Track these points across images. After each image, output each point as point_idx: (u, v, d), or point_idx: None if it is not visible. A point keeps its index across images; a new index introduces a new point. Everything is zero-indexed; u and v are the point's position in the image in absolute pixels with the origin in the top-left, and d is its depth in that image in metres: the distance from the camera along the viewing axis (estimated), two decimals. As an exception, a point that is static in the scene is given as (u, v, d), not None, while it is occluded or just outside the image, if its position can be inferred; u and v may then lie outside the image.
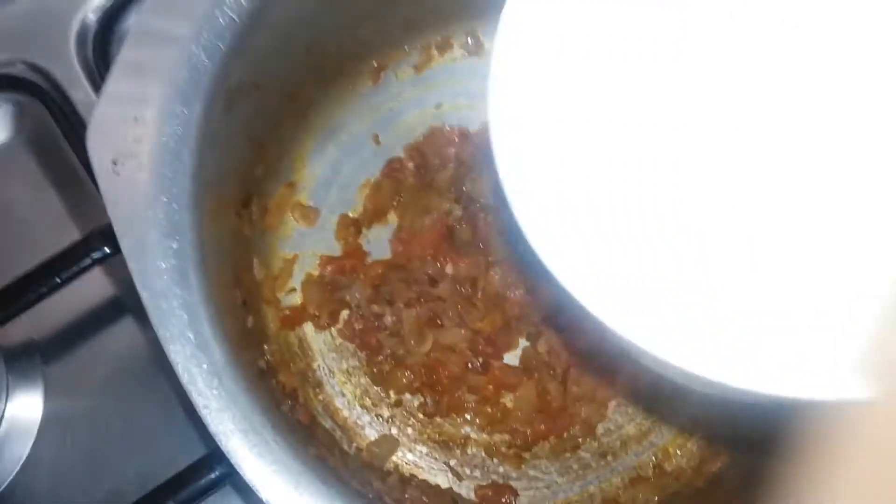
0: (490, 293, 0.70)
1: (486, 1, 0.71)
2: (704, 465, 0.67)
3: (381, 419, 0.71)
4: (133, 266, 0.49)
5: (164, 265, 0.50)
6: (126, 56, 0.51)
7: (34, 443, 0.76)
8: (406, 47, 0.74)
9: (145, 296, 0.49)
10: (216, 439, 0.48)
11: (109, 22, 0.80)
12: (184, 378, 0.48)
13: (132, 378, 0.78)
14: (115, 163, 0.50)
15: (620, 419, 0.70)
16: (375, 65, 0.74)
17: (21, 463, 0.75)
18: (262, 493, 0.48)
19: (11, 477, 0.75)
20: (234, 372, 0.50)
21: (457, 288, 0.70)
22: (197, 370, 0.49)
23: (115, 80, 0.51)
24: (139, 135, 0.51)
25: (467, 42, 0.75)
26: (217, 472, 0.64)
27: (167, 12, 0.52)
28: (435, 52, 0.75)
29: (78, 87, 0.83)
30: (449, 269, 0.70)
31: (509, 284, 0.69)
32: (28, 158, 0.84)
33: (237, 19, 0.53)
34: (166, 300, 0.49)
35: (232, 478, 0.64)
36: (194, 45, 0.52)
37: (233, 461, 0.48)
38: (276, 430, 0.50)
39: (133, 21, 0.52)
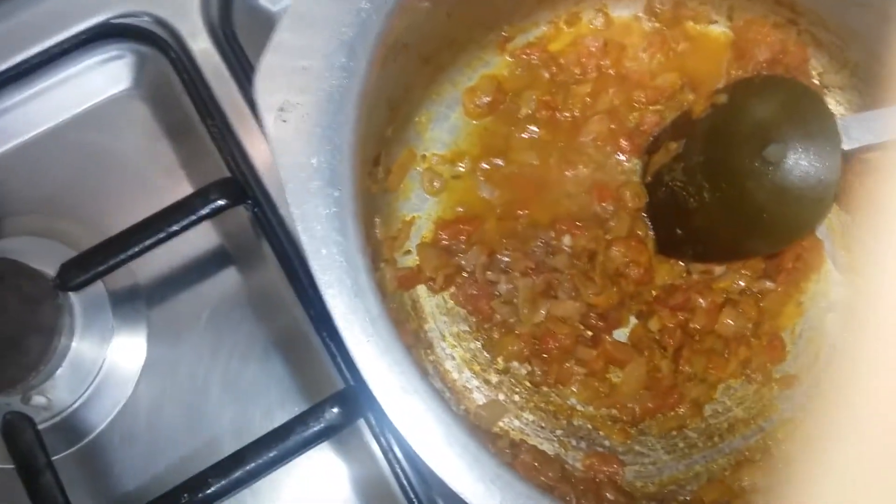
0: (608, 269, 0.70)
1: None
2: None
3: (488, 384, 0.72)
4: (296, 211, 0.50)
5: (325, 212, 0.51)
6: (296, 7, 0.52)
7: (135, 386, 0.78)
8: (537, 19, 0.74)
9: (306, 241, 0.50)
10: (369, 385, 0.49)
11: (235, -19, 0.81)
12: (341, 323, 0.49)
13: (233, 328, 0.80)
14: (281, 110, 0.51)
15: (729, 402, 0.71)
16: (504, 35, 0.74)
17: (121, 406, 0.78)
18: (411, 440, 0.49)
19: (110, 419, 0.77)
20: (387, 322, 0.51)
21: (574, 261, 0.71)
22: (354, 317, 0.50)
23: (284, 30, 0.52)
24: (305, 84, 0.52)
25: (595, 17, 0.75)
26: (322, 424, 0.67)
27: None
28: (563, 27, 0.75)
29: (200, 42, 0.84)
30: (567, 240, 0.71)
31: (629, 262, 0.69)
32: (146, 109, 0.86)
33: (402, -22, 0.54)
34: (326, 246, 0.51)
35: (337, 430, 0.66)
36: (363, 0, 0.53)
37: (385, 407, 0.49)
38: (423, 379, 0.51)
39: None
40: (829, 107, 0.71)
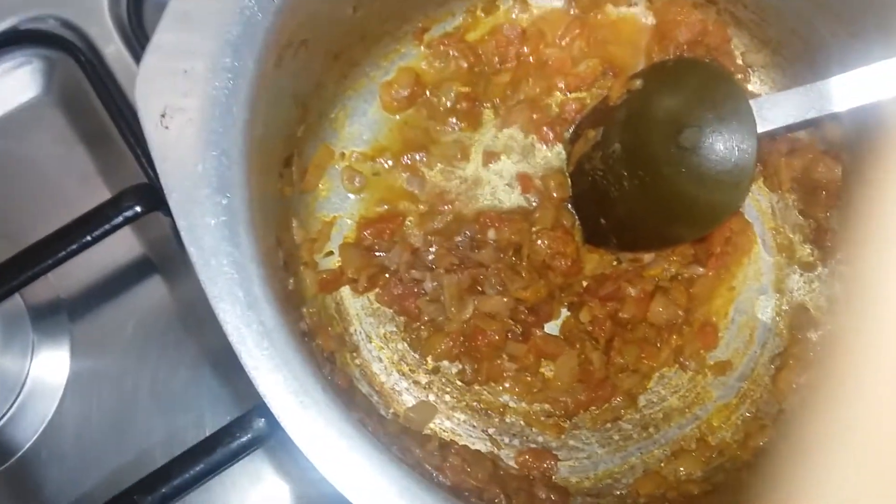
0: (535, 261, 0.68)
1: None
2: (750, 439, 0.66)
3: (418, 386, 0.70)
4: (182, 222, 0.48)
5: (213, 221, 0.48)
6: (176, 6, 0.49)
7: (60, 402, 0.75)
8: (452, 9, 0.71)
9: (194, 252, 0.48)
10: (266, 401, 0.47)
11: (144, -22, 0.78)
12: (233, 338, 0.47)
13: (160, 338, 0.77)
14: (163, 115, 0.48)
15: (663, 391, 0.69)
16: (420, 26, 0.72)
17: (46, 422, 0.75)
18: (312, 458, 0.47)
19: (36, 436, 0.74)
20: (283, 333, 0.49)
21: (500, 255, 0.69)
22: (247, 330, 0.48)
23: (164, 31, 0.49)
24: (188, 88, 0.49)
25: (513, 4, 0.73)
26: (249, 435, 0.64)
27: (218, -39, 0.50)
28: (481, 15, 0.73)
29: (110, 44, 0.82)
30: (491, 234, 0.69)
31: (555, 254, 0.68)
32: (58, 116, 0.83)
33: (290, -29, 0.51)
34: (216, 257, 0.48)
35: (264, 441, 0.64)
36: (247, -4, 0.50)
37: (283, 424, 0.47)
38: (325, 391, 0.49)
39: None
40: (752, 88, 0.70)
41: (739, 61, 0.72)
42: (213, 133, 0.49)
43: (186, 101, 0.49)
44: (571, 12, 0.73)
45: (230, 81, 0.50)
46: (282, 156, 0.64)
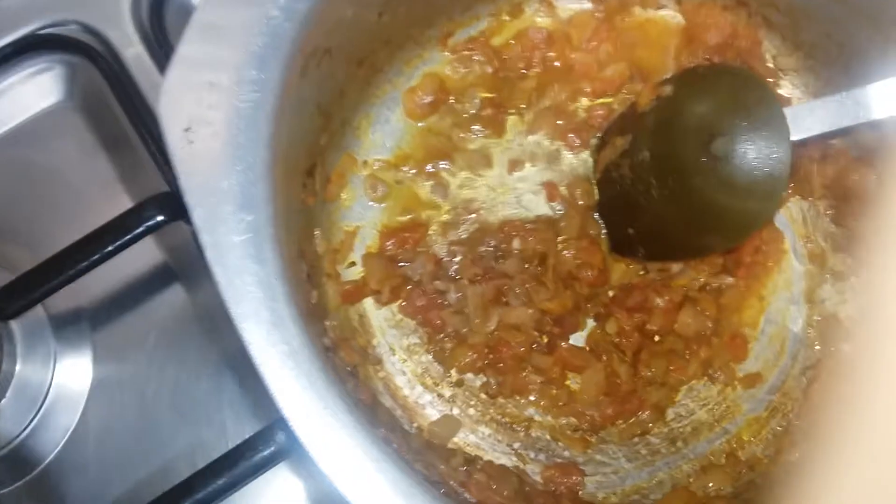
0: (560, 272, 0.67)
1: None
2: (781, 454, 0.64)
3: (442, 399, 0.69)
4: (206, 239, 0.47)
5: (238, 239, 0.47)
6: (201, 17, 0.49)
7: (83, 412, 0.75)
8: (478, 13, 0.70)
9: (218, 272, 0.47)
10: (290, 425, 0.46)
11: (166, -16, 0.77)
12: (258, 359, 0.46)
13: (182, 347, 0.77)
14: (187, 130, 0.47)
15: (692, 404, 0.68)
16: (444, 30, 0.71)
17: (70, 432, 0.74)
18: (338, 482, 0.46)
19: (60, 447, 0.74)
20: (308, 352, 0.48)
21: (524, 265, 0.67)
22: (272, 350, 0.47)
23: (189, 43, 0.49)
24: (214, 101, 0.48)
25: (539, 7, 0.72)
26: (272, 448, 0.64)
27: (243, -28, 0.49)
28: (506, 19, 0.71)
29: (131, 49, 0.81)
30: (516, 243, 0.68)
31: (581, 264, 0.66)
32: (80, 122, 0.83)
33: (316, -21, 0.50)
34: (240, 276, 0.47)
35: (287, 454, 0.63)
36: (273, 7, 0.49)
37: (308, 448, 0.46)
38: (350, 412, 0.48)
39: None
40: (784, 92, 0.68)
41: (770, 65, 0.70)
42: (239, 147, 0.48)
43: (211, 114, 0.48)
44: (598, 15, 0.71)
45: (256, 94, 0.49)
46: (305, 166, 0.63)
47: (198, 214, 0.47)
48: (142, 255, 0.79)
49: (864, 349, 0.46)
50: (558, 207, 0.70)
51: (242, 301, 0.47)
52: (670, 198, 0.62)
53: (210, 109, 0.48)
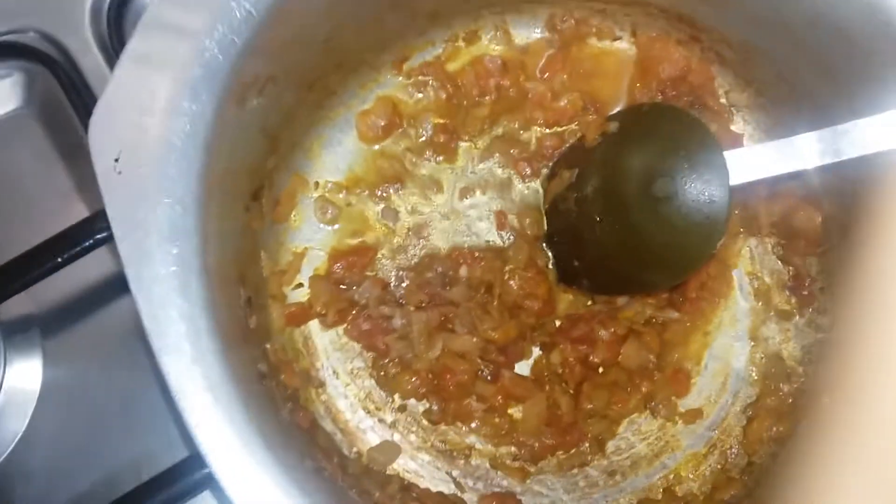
0: (506, 301, 0.67)
1: None
2: (717, 492, 0.65)
3: (383, 424, 0.69)
4: (130, 272, 0.47)
5: (163, 272, 0.47)
6: (135, 47, 0.48)
7: (31, 419, 0.74)
8: (433, 38, 0.70)
9: (142, 304, 0.47)
10: (207, 459, 0.46)
11: (125, -5, 0.77)
12: (176, 393, 0.46)
13: (131, 359, 0.76)
14: (116, 160, 0.47)
15: (632, 438, 0.68)
16: (399, 55, 0.70)
17: (17, 439, 0.74)
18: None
19: (6, 453, 0.73)
20: (230, 387, 0.48)
21: (471, 293, 0.67)
22: (190, 384, 0.47)
23: (122, 72, 0.48)
24: (143, 131, 0.48)
25: (494, 34, 0.71)
26: (204, 472, 0.63)
27: (182, 2, 0.49)
28: (461, 45, 0.71)
29: (90, 60, 0.80)
30: (464, 271, 0.68)
31: (527, 294, 0.67)
32: (37, 129, 0.82)
33: (254, 12, 0.50)
34: (164, 309, 0.47)
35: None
36: (208, 39, 0.49)
37: (223, 484, 0.46)
38: (270, 449, 0.48)
39: (146, 10, 0.48)
40: (735, 128, 0.68)
41: (723, 100, 0.70)
42: (167, 179, 0.48)
43: (141, 145, 0.48)
44: (553, 45, 0.71)
45: (187, 125, 0.49)
46: (249, 189, 0.63)
47: (123, 246, 0.47)
48: (94, 265, 0.78)
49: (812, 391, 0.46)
50: (507, 236, 0.70)
51: (164, 334, 0.47)
52: (613, 233, 0.62)
53: (139, 140, 0.48)
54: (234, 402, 0.47)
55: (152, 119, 0.48)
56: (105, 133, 0.48)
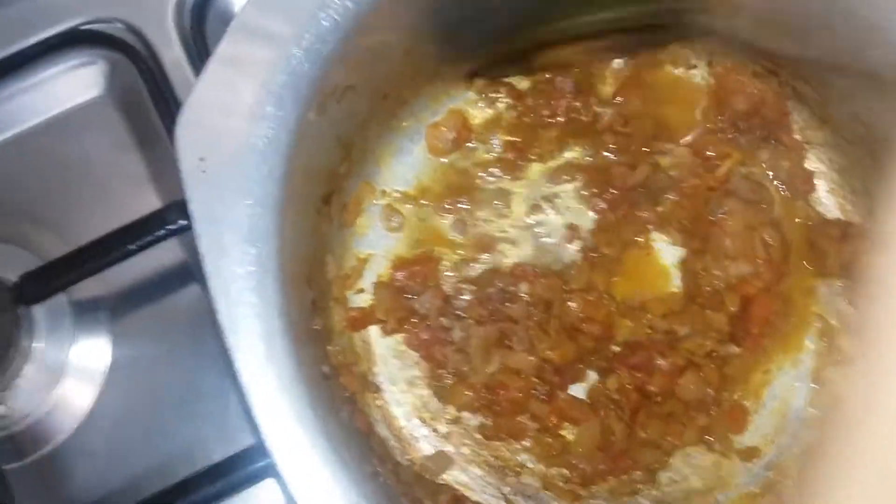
0: (565, 322, 0.67)
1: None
2: (769, 533, 0.64)
3: (437, 434, 0.69)
4: (209, 269, 0.48)
5: (241, 271, 0.48)
6: (224, 51, 0.49)
7: (96, 399, 0.76)
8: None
9: (218, 301, 0.48)
10: (271, 455, 0.47)
11: (209, -8, 0.78)
12: (248, 391, 0.47)
13: (197, 348, 0.77)
14: (202, 159, 0.48)
15: (686, 470, 0.67)
16: (472, 71, 0.71)
17: (82, 418, 0.75)
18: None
19: (71, 431, 0.75)
20: (300, 387, 0.48)
21: (530, 310, 0.67)
22: (262, 383, 0.47)
23: (210, 75, 0.49)
24: (229, 134, 0.49)
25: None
26: (267, 461, 0.64)
27: (270, 9, 0.50)
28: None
29: (171, 54, 0.82)
30: (524, 287, 0.68)
31: (585, 318, 0.66)
32: (115, 118, 0.84)
33: (341, 21, 0.51)
34: (240, 308, 0.48)
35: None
36: (295, 47, 0.50)
37: (289, 483, 0.47)
38: (334, 450, 0.48)
39: (236, 16, 0.49)
40: (809, 165, 0.68)
41: (797, 136, 0.69)
42: (249, 181, 0.49)
43: (225, 147, 0.49)
44: (627, 69, 0.71)
45: (270, 130, 0.50)
46: (321, 193, 0.64)
47: (203, 243, 0.48)
48: (164, 253, 0.79)
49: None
50: (575, 250, 0.69)
51: (239, 332, 0.48)
52: None
53: (225, 142, 0.49)
54: (303, 401, 0.48)
55: (237, 122, 0.49)
56: (191, 132, 0.49)
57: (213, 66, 0.49)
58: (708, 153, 0.69)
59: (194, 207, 0.49)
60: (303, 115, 0.51)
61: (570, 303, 0.67)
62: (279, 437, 0.48)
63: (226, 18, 0.84)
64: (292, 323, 0.52)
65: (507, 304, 0.69)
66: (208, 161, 0.49)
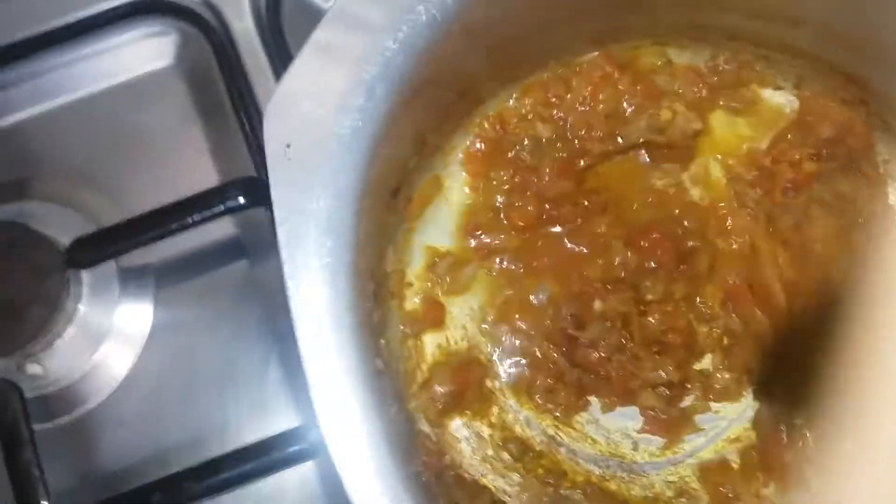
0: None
1: (672, 24, 0.67)
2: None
3: (480, 437, 0.69)
4: (285, 256, 0.48)
5: (316, 262, 0.48)
6: (319, 37, 0.49)
7: (132, 368, 0.77)
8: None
9: (292, 287, 0.48)
10: (327, 444, 0.47)
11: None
12: (311, 382, 0.47)
13: (239, 322, 0.78)
14: (288, 146, 0.48)
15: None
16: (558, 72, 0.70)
17: (117, 385, 0.76)
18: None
19: (104, 397, 0.76)
20: (359, 379, 0.48)
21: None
22: (328, 374, 0.47)
23: (303, 61, 0.49)
24: (317, 122, 0.49)
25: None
26: (304, 446, 0.65)
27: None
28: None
29: (245, 31, 0.82)
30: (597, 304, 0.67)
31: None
32: (182, 89, 0.85)
33: (438, 17, 0.50)
34: (313, 299, 0.48)
35: (314, 455, 0.65)
36: (390, 39, 0.49)
37: (338, 469, 0.47)
38: (386, 445, 0.48)
39: (334, 2, 0.49)
40: (892, 200, 0.66)
41: (881, 169, 0.68)
42: (333, 172, 0.49)
43: (312, 135, 0.49)
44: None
45: (358, 121, 0.49)
46: (392, 186, 0.63)
47: (282, 231, 0.48)
48: (216, 227, 0.80)
49: None
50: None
51: (310, 324, 0.47)
52: None
53: (312, 130, 0.48)
54: (361, 394, 0.48)
55: (326, 111, 0.49)
56: (280, 119, 0.49)
57: (307, 53, 0.49)
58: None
59: (276, 194, 0.48)
60: (391, 107, 0.51)
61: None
62: (335, 426, 0.48)
63: (303, 3, 0.84)
64: (358, 316, 0.51)
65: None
66: (294, 148, 0.48)
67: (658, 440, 0.66)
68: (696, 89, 0.70)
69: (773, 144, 0.70)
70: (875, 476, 0.40)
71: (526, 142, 0.67)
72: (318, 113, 0.49)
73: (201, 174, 0.82)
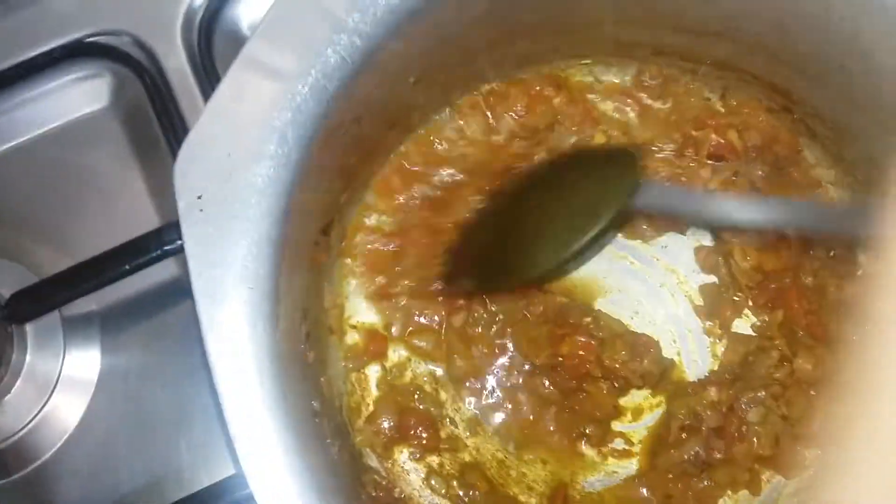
0: None
1: (603, 44, 0.68)
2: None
3: (429, 468, 0.69)
4: (202, 309, 0.47)
5: (234, 311, 0.47)
6: (229, 84, 0.48)
7: (82, 417, 0.76)
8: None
9: (210, 340, 0.47)
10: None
11: (217, 10, 0.78)
12: (237, 443, 0.46)
13: (187, 364, 0.77)
14: (199, 198, 0.47)
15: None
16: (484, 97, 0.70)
17: (68, 435, 0.75)
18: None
19: (56, 448, 0.75)
20: (288, 432, 0.48)
21: None
22: (250, 428, 0.47)
23: (214, 109, 0.49)
24: (228, 172, 0.48)
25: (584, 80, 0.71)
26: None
27: (278, 43, 0.49)
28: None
29: (178, 69, 0.81)
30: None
31: None
32: (119, 132, 0.84)
33: (349, 60, 0.50)
34: (232, 352, 0.47)
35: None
36: (301, 83, 0.49)
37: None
38: (327, 487, 0.48)
39: (242, 49, 0.48)
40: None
41: (809, 173, 0.69)
42: (247, 221, 0.48)
43: (225, 185, 0.48)
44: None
45: (271, 169, 0.49)
46: (320, 225, 0.63)
47: (199, 283, 0.47)
48: (159, 269, 0.78)
49: None
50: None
51: (229, 375, 0.47)
52: None
53: (224, 181, 0.48)
54: (291, 441, 0.48)
55: (238, 160, 0.49)
56: (191, 169, 0.49)
57: (215, 101, 0.49)
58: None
59: (190, 247, 0.48)
60: (306, 151, 0.51)
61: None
62: (261, 479, 0.47)
63: (234, 36, 0.83)
64: (284, 362, 0.51)
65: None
66: (206, 199, 0.48)
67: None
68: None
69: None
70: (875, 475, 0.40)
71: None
72: (231, 162, 0.48)
73: (143, 215, 0.81)
